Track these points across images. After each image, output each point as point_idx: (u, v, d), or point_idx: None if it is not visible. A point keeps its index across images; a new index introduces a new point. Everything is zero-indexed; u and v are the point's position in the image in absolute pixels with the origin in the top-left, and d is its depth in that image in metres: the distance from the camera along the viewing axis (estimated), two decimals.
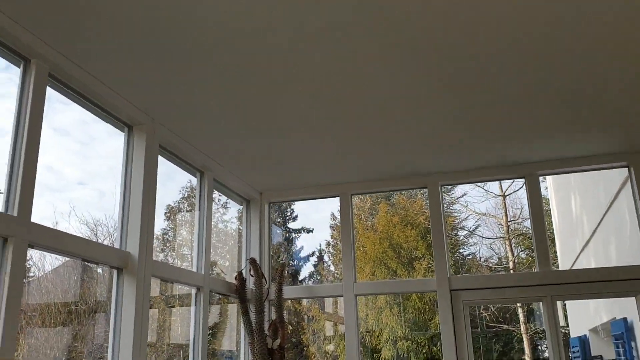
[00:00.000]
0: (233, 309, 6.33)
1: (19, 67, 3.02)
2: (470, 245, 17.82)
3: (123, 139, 3.85)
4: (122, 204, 3.73)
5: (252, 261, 5.14)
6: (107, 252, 3.56)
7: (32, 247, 2.94)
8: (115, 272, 3.59)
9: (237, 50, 3.16)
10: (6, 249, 2.73)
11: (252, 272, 5.09)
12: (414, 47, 3.18)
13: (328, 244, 18.10)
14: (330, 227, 17.82)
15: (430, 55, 3.26)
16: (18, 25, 2.84)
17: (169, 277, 4.25)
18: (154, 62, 3.25)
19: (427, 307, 14.89)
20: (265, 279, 5.20)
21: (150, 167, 3.86)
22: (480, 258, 17.52)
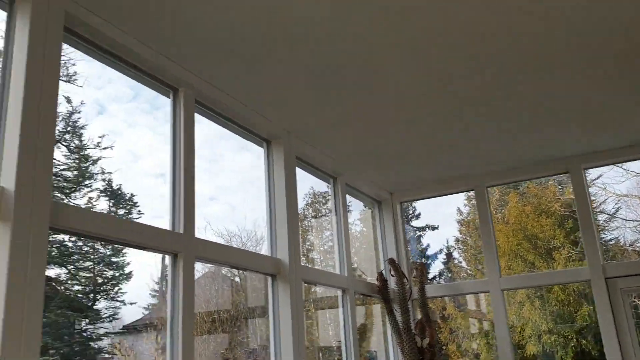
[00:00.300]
0: (371, 310, 6.40)
1: (169, 97, 3.30)
2: (612, 230, 16.58)
3: (263, 154, 4.07)
4: (269, 214, 3.93)
5: (392, 261, 5.17)
6: (262, 261, 3.77)
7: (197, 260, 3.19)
8: (269, 279, 3.79)
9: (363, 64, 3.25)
10: (177, 263, 2.98)
11: (392, 272, 5.12)
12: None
13: (457, 239, 17.68)
14: (457, 222, 17.36)
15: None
16: (166, 58, 3.10)
17: (316, 280, 4.41)
18: (291, 81, 3.43)
19: (571, 298, 14.05)
20: (407, 279, 5.20)
21: (290, 178, 4.04)
22: (624, 243, 16.25)
